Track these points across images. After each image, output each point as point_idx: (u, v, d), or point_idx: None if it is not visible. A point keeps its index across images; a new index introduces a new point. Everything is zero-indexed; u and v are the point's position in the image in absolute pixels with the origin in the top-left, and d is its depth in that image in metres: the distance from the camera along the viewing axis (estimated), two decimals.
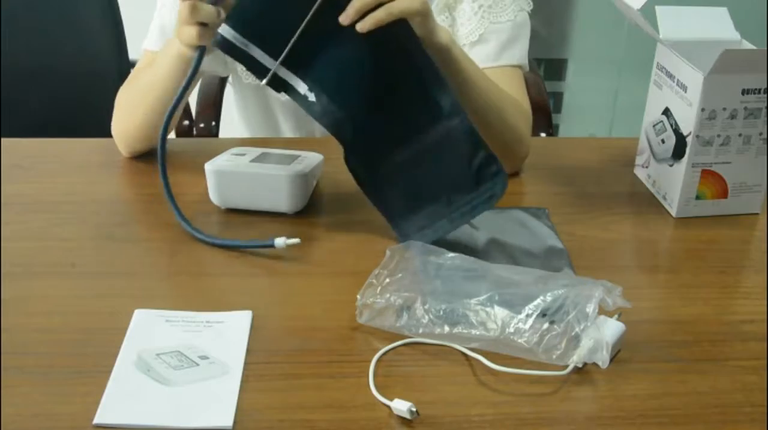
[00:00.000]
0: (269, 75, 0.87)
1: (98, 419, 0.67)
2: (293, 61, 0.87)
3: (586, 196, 1.05)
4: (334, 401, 0.70)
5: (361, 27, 0.84)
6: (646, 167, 1.07)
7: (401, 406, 0.68)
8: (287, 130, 1.25)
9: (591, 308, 0.74)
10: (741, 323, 0.82)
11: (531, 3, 1.15)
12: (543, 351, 0.74)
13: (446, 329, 0.76)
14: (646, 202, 1.04)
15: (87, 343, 0.76)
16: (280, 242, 0.88)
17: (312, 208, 0.99)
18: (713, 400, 0.71)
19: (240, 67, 1.17)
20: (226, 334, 0.77)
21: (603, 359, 0.73)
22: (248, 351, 0.75)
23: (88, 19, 1.48)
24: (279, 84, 0.88)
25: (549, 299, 0.76)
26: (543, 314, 0.75)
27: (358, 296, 0.78)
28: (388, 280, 0.79)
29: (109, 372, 0.72)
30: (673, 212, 1.01)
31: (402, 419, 0.68)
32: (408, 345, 0.76)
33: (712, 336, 0.80)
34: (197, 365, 0.73)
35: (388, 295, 0.78)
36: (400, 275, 0.80)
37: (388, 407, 0.69)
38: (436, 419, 0.68)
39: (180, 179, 1.04)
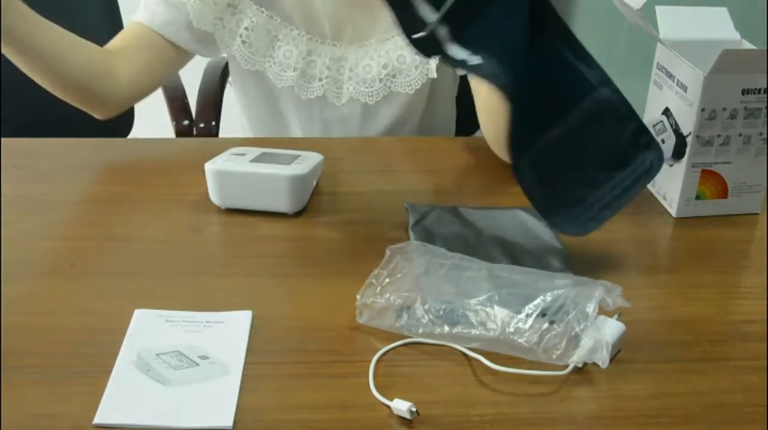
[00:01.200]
0: (428, 29, 0.79)
1: (98, 419, 0.67)
2: (454, 22, 0.79)
3: None
4: (334, 401, 0.70)
5: None
6: None
7: (401, 406, 0.68)
8: (290, 115, 1.25)
9: (591, 308, 0.74)
10: (741, 323, 0.82)
11: None
12: (543, 351, 0.74)
13: (446, 329, 0.76)
14: (646, 202, 1.04)
15: (87, 343, 0.76)
16: None
17: (312, 208, 0.99)
18: (713, 400, 0.71)
19: (238, 52, 1.16)
20: (226, 334, 0.77)
21: (603, 359, 0.73)
22: (248, 351, 0.75)
23: (89, 19, 1.48)
24: (431, 45, 0.80)
25: (549, 298, 0.76)
26: (543, 314, 0.75)
27: (358, 296, 0.78)
28: (387, 280, 0.79)
29: (109, 372, 0.72)
30: (673, 212, 1.01)
31: (402, 419, 0.68)
32: (408, 345, 0.76)
33: (712, 336, 0.80)
34: (197, 365, 0.73)
35: (387, 295, 0.78)
36: (399, 275, 0.80)
37: (388, 407, 0.69)
38: (436, 419, 0.68)
39: (180, 179, 1.04)
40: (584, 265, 0.89)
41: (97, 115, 1.15)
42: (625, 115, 0.85)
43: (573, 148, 0.85)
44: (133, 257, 0.90)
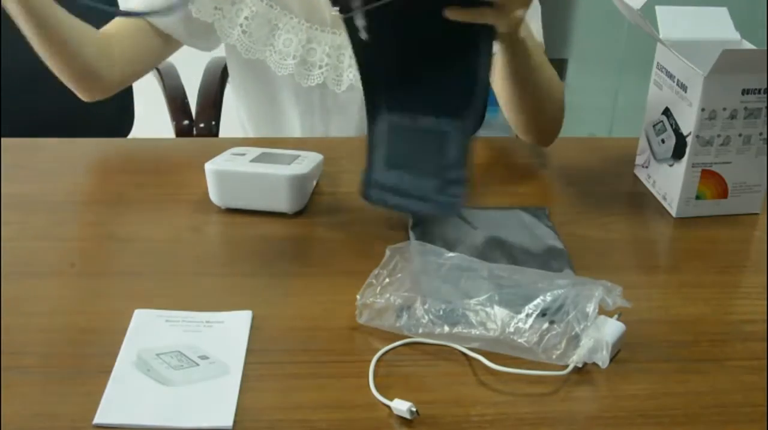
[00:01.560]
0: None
1: (98, 419, 0.67)
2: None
3: (586, 196, 1.05)
4: (334, 401, 0.70)
5: (453, 15, 0.83)
6: (646, 167, 1.07)
7: (401, 406, 0.68)
8: (289, 104, 1.24)
9: (591, 308, 0.74)
10: (741, 323, 0.82)
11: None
12: (543, 351, 0.74)
13: (446, 329, 0.76)
14: (646, 202, 1.04)
15: (87, 343, 0.76)
16: None
17: (312, 208, 0.99)
18: (713, 400, 0.71)
19: (238, 41, 1.16)
20: (226, 334, 0.77)
21: (603, 358, 0.73)
22: (248, 351, 0.75)
23: (89, 20, 1.48)
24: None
25: (549, 298, 0.76)
26: (543, 314, 0.75)
27: (358, 297, 0.78)
28: (387, 280, 0.79)
29: (109, 372, 0.72)
30: (673, 212, 1.00)
31: (402, 419, 0.68)
32: (408, 345, 0.76)
33: (712, 336, 0.80)
34: (197, 365, 0.73)
35: (387, 295, 0.78)
36: (399, 275, 0.80)
37: (388, 407, 0.69)
38: (436, 419, 0.68)
39: (180, 179, 1.04)
40: (585, 265, 0.89)
41: (85, 96, 1.15)
42: (460, 156, 0.88)
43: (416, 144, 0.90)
44: (133, 257, 0.90)
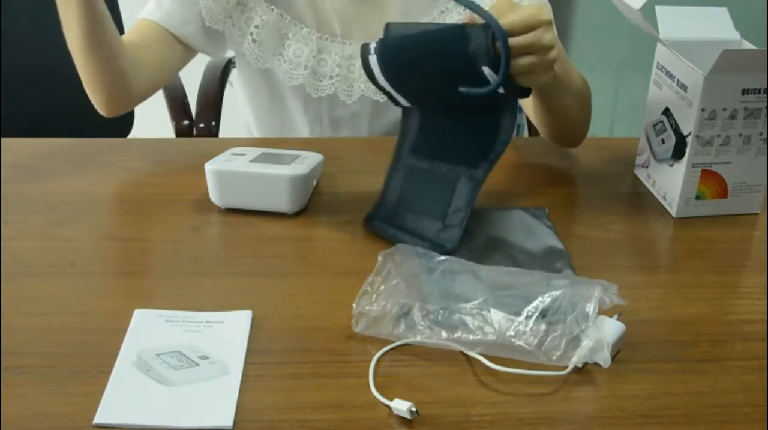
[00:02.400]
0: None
1: (98, 419, 0.67)
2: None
3: (586, 196, 1.05)
4: (334, 401, 0.70)
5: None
6: (646, 167, 1.07)
7: (401, 406, 0.68)
8: (298, 113, 1.24)
9: (591, 308, 0.74)
10: (741, 323, 0.82)
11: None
12: (543, 353, 0.74)
13: (444, 334, 0.75)
14: (646, 202, 1.04)
15: (87, 343, 0.76)
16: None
17: (312, 208, 0.99)
18: (713, 400, 0.71)
19: (248, 50, 1.16)
20: (226, 334, 0.77)
21: (605, 358, 0.73)
22: (248, 351, 0.75)
23: None
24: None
25: (547, 300, 0.76)
26: (542, 316, 0.75)
27: (354, 305, 0.78)
28: (382, 287, 0.79)
29: (109, 372, 0.72)
30: (673, 212, 1.00)
31: (402, 419, 0.68)
32: (407, 345, 0.76)
33: (712, 336, 0.80)
34: (197, 365, 0.73)
35: (384, 302, 0.77)
36: (394, 281, 0.79)
37: (388, 407, 0.69)
38: (436, 419, 0.68)
39: (180, 179, 1.04)
40: (585, 265, 0.89)
41: (110, 107, 1.11)
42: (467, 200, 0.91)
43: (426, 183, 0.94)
44: (133, 257, 0.90)
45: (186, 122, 1.49)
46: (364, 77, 1.17)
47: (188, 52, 1.17)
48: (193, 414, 0.68)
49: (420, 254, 0.83)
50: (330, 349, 0.76)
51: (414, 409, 0.68)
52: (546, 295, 0.76)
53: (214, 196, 0.97)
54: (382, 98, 1.18)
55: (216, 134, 1.49)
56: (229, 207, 0.97)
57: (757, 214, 1.02)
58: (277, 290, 0.85)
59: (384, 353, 0.75)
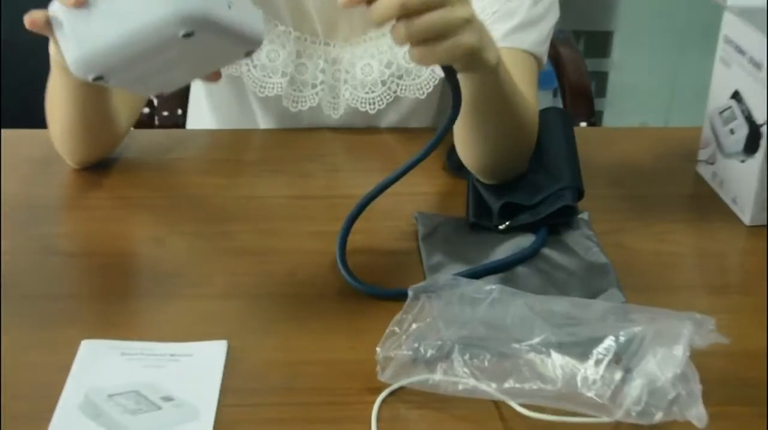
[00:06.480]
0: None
1: None
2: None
3: (636, 199, 1.05)
4: None
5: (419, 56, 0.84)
6: (712, 164, 1.07)
7: None
8: (265, 125, 1.24)
9: (680, 351, 0.73)
10: None
11: None
12: (620, 407, 0.72)
13: (493, 385, 0.74)
14: (711, 206, 1.04)
15: (21, 382, 0.75)
16: None
17: (302, 215, 1.00)
18: None
19: None
20: (196, 369, 0.77)
21: (699, 416, 0.70)
22: (222, 391, 0.75)
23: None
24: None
25: (622, 339, 0.74)
26: (616, 360, 0.74)
27: (378, 349, 0.77)
28: (414, 325, 0.78)
29: (49, 419, 0.71)
30: (746, 219, 1.00)
31: None
32: (419, 383, 0.76)
33: None
34: (159, 408, 0.73)
35: (416, 344, 0.76)
36: (429, 319, 0.78)
37: None
38: None
39: (138, 180, 1.05)
40: (635, 284, 0.89)
41: (87, 161, 1.08)
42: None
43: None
44: (80, 275, 0.90)
45: (146, 111, 1.49)
46: (350, 83, 1.17)
47: None
48: None
49: (461, 285, 0.82)
50: (323, 387, 0.76)
51: None
52: (621, 332, 0.75)
53: (69, 50, 0.76)
54: (372, 109, 1.17)
55: (182, 125, 1.49)
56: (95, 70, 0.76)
57: None
58: (258, 315, 0.85)
59: (390, 393, 0.75)
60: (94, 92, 0.99)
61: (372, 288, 0.87)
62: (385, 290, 0.86)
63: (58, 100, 1.03)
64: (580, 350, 0.74)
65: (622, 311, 0.78)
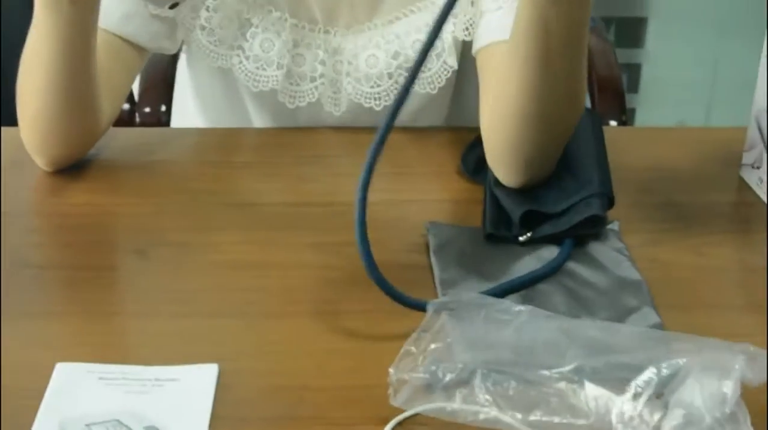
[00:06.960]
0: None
1: None
2: None
3: (672, 207, 1.06)
4: None
5: None
6: (758, 168, 1.07)
7: None
8: (259, 122, 1.25)
9: (730, 388, 0.72)
10: None
11: None
12: None
13: (518, 416, 0.74)
14: (756, 215, 1.04)
15: None
16: None
17: (300, 224, 1.00)
18: None
19: (196, 42, 1.14)
20: (183, 396, 0.77)
21: None
22: (213, 420, 0.75)
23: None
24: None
25: (665, 371, 0.74)
26: (657, 395, 0.74)
27: (391, 370, 0.77)
28: (432, 346, 0.78)
29: None
30: None
31: None
32: (435, 410, 0.76)
33: None
34: None
35: (433, 367, 0.77)
36: (449, 339, 0.79)
37: None
38: None
39: (118, 184, 1.05)
40: (671, 302, 0.89)
41: (59, 164, 1.09)
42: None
43: None
44: (55, 290, 0.90)
45: (126, 107, 1.49)
46: (353, 75, 1.16)
47: (140, 55, 1.15)
48: None
49: (486, 304, 0.82)
50: (324, 416, 0.76)
51: None
52: (663, 364, 0.74)
53: None
54: (377, 105, 1.17)
55: (166, 123, 1.49)
56: None
57: None
58: (252, 335, 0.85)
59: (399, 423, 0.75)
60: (80, 50, 0.99)
61: (392, 288, 0.85)
62: (405, 296, 0.86)
63: (37, 60, 1.02)
64: (617, 381, 0.74)
65: (664, 339, 0.78)
